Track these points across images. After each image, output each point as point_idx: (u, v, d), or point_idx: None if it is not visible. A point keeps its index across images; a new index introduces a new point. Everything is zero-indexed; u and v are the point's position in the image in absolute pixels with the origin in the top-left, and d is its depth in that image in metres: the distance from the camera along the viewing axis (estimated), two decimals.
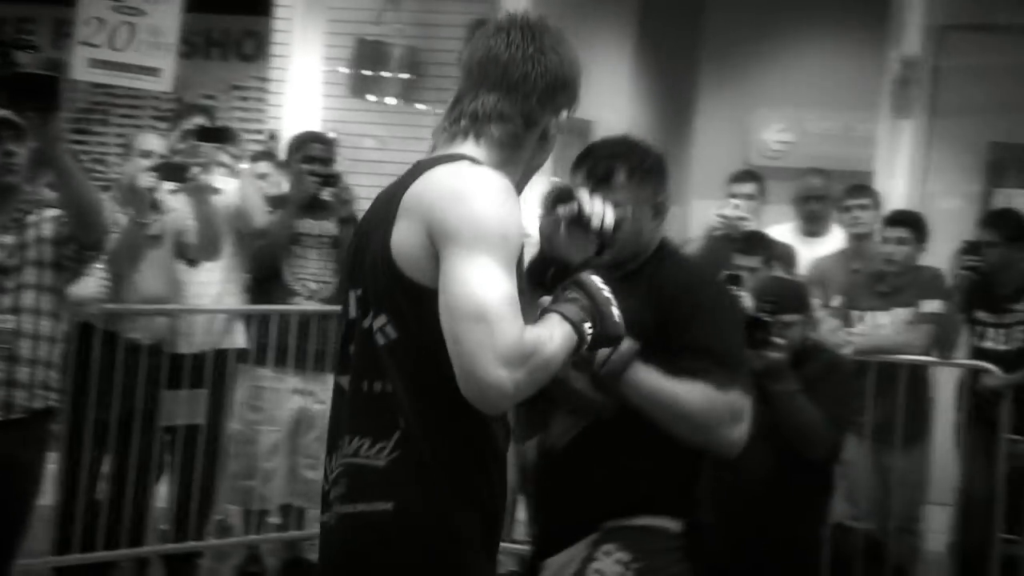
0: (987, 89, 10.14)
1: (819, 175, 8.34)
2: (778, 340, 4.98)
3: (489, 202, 2.68)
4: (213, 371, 6.99)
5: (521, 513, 7.00)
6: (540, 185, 8.73)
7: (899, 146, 9.63)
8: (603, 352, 3.25)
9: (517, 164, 2.89)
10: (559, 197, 3.63)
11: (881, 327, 7.17)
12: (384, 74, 10.04)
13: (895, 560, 6.94)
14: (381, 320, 2.73)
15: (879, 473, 7.15)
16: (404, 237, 2.71)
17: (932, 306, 7.09)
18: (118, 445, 6.64)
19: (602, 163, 3.69)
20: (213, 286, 7.12)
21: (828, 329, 7.00)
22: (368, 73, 10.05)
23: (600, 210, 3.28)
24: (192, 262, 6.97)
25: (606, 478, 3.56)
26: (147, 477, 6.82)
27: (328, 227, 7.31)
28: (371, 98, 10.11)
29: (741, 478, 4.39)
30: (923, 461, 7.23)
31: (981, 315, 7.09)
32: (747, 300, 5.33)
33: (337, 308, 6.98)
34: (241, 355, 7.18)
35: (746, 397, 3.51)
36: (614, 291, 2.97)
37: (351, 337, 2.84)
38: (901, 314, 7.16)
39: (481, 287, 2.61)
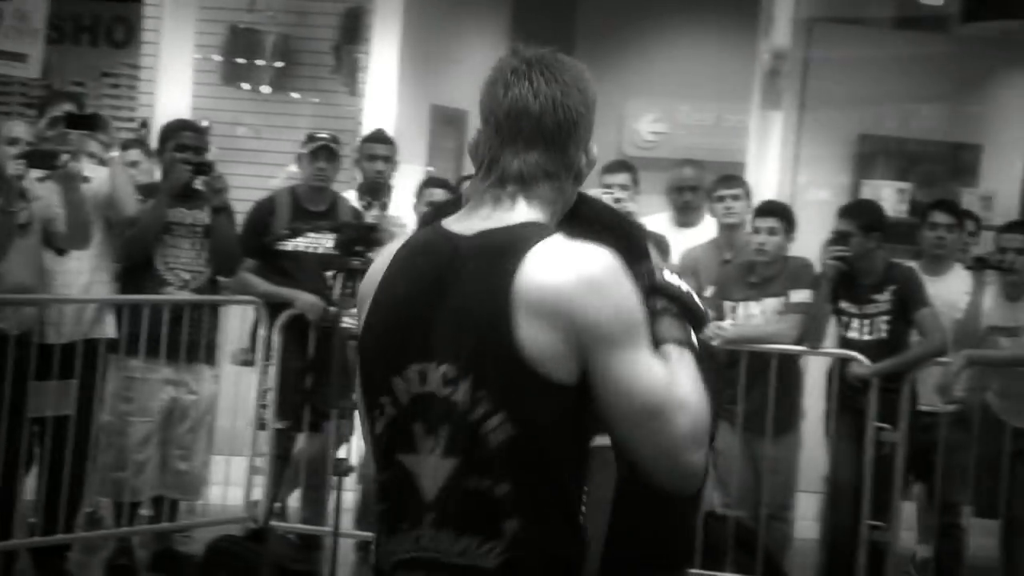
0: (856, 82, 10.27)
1: (692, 166, 8.40)
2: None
3: (623, 288, 2.54)
4: (83, 362, 6.87)
5: None
6: (415, 175, 8.73)
7: (770, 137, 9.71)
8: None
9: (559, 211, 2.73)
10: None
11: (752, 317, 7.23)
12: (257, 62, 9.98)
13: (766, 547, 7.01)
14: (499, 417, 2.52)
15: (750, 461, 7.21)
16: (536, 335, 2.50)
17: (801, 296, 7.15)
18: None
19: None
20: (82, 275, 7.01)
21: None
22: (241, 61, 9.98)
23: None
24: (61, 251, 6.87)
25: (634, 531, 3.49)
26: (15, 469, 6.70)
27: (200, 216, 7.23)
28: (244, 86, 10.04)
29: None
30: (793, 449, 7.30)
31: (845, 305, 7.16)
32: None
33: (211, 297, 6.98)
34: (111, 345, 7.08)
35: None
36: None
37: (425, 414, 2.59)
38: (771, 304, 7.21)
39: (651, 384, 2.50)
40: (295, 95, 10.14)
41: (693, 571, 5.85)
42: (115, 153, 7.11)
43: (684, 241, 7.80)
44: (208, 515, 7.57)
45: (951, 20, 10.72)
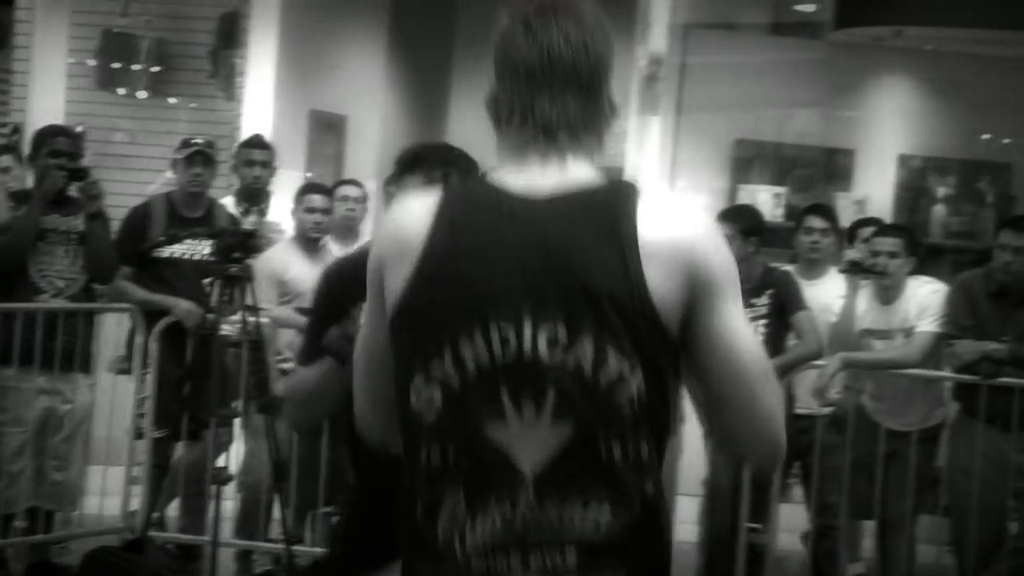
0: (731, 87, 10.37)
1: None
2: None
3: (727, 245, 2.52)
4: None
5: (276, 512, 6.93)
6: (294, 181, 8.68)
7: (647, 142, 9.77)
8: None
9: (601, 162, 2.60)
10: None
11: None
12: (133, 67, 9.88)
13: None
14: (637, 378, 2.40)
15: None
16: (661, 286, 2.40)
17: None
18: None
19: (437, 170, 3.68)
20: None
21: None
22: (116, 66, 9.88)
23: None
24: None
25: None
26: None
27: (75, 223, 7.13)
28: (120, 91, 9.93)
29: None
30: (673, 453, 7.33)
31: None
32: None
33: (86, 305, 6.88)
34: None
35: None
36: None
37: (517, 379, 2.41)
38: None
39: (757, 343, 2.50)
40: (172, 100, 10.07)
41: None
42: None
43: None
44: (85, 526, 7.46)
45: (824, 26, 10.88)
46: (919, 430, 7.10)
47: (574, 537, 2.38)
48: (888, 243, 7.16)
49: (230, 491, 7.00)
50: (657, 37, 9.54)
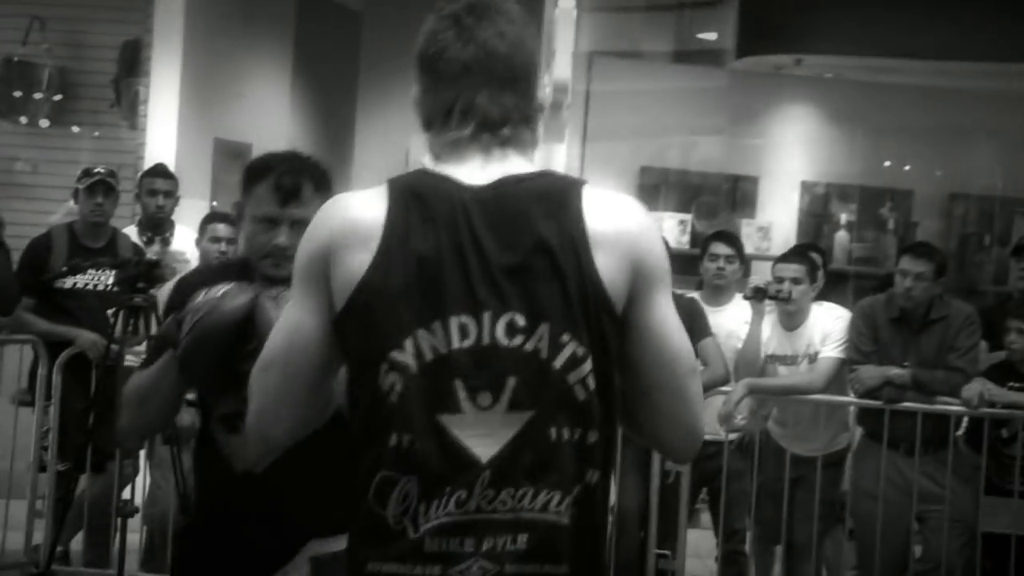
0: (636, 114, 10.44)
1: None
2: None
3: (662, 239, 2.59)
4: None
5: None
6: (199, 210, 8.62)
7: (554, 169, 9.81)
8: None
9: (533, 158, 2.65)
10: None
11: None
12: (35, 95, 9.78)
13: None
14: (588, 363, 2.43)
15: None
16: (610, 273, 2.45)
17: None
18: None
19: (287, 177, 3.62)
20: None
21: None
22: (17, 94, 9.77)
23: None
24: None
25: (305, 499, 3.52)
26: None
27: None
28: (21, 120, 9.82)
29: None
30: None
31: None
32: None
33: None
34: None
35: None
36: None
37: (473, 368, 2.42)
38: None
39: (683, 334, 2.53)
40: (74, 129, 9.97)
41: None
42: None
43: None
44: None
45: (726, 55, 11.00)
46: (824, 455, 7.16)
47: (526, 522, 2.41)
48: (791, 269, 7.23)
49: (135, 524, 6.93)
50: (562, 65, 9.60)
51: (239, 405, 3.51)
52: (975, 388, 6.76)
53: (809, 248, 8.10)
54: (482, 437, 2.40)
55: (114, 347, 6.60)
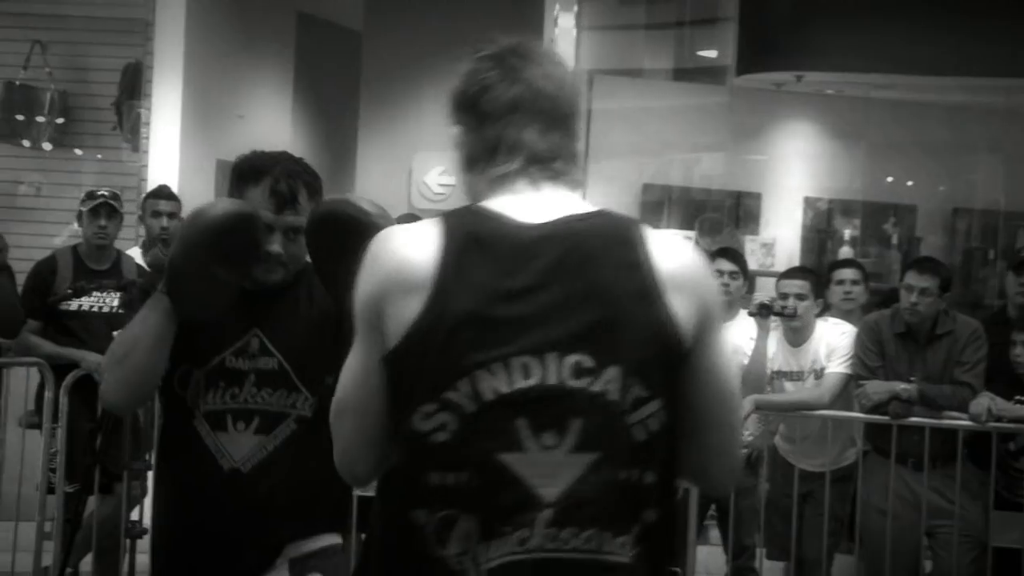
0: (638, 132, 10.46)
1: None
2: None
3: None
4: None
5: None
6: None
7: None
8: None
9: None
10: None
11: None
12: (37, 119, 9.81)
13: None
14: (654, 404, 2.42)
15: None
16: (682, 315, 2.44)
17: None
18: None
19: (283, 183, 3.58)
20: None
21: None
22: (20, 118, 9.80)
23: None
24: None
25: (289, 499, 3.55)
26: None
27: None
28: (24, 143, 9.85)
29: None
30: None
31: None
32: None
33: None
34: None
35: None
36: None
37: (536, 408, 2.39)
38: None
39: (735, 372, 2.61)
40: (77, 151, 10.01)
41: None
42: None
43: None
44: None
45: (727, 72, 11.02)
46: (832, 470, 7.18)
47: (588, 561, 2.39)
48: (796, 285, 7.24)
49: (144, 545, 6.93)
50: None
51: (229, 402, 3.59)
52: (983, 403, 6.77)
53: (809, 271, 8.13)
54: (546, 476, 2.37)
55: None
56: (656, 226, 8.29)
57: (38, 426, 7.39)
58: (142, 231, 8.26)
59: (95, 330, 7.36)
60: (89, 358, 7.20)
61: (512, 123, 2.55)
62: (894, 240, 10.93)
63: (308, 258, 3.67)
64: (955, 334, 6.97)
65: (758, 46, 10.48)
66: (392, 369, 2.45)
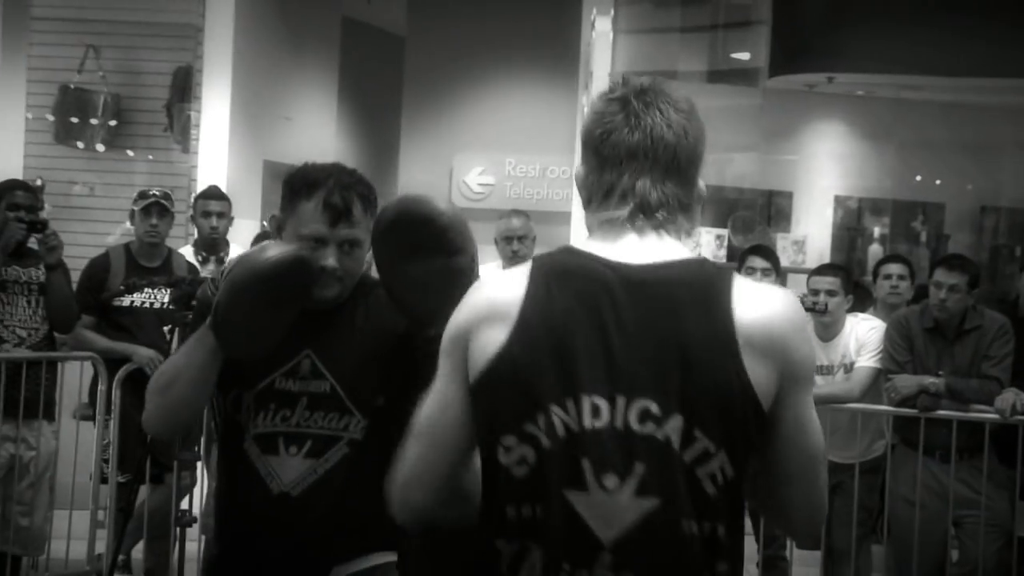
0: None
1: (519, 216, 8.46)
2: None
3: (809, 337, 2.58)
4: None
5: None
6: (250, 230, 8.67)
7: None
8: None
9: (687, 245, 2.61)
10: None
11: None
12: (91, 121, 9.87)
13: None
14: (720, 458, 2.36)
15: None
16: (759, 372, 2.39)
17: None
18: None
19: (337, 196, 3.43)
20: None
21: None
22: (74, 120, 9.86)
23: None
24: None
25: (339, 522, 3.44)
26: None
27: (36, 274, 7.11)
28: (78, 145, 9.92)
29: None
30: None
31: None
32: None
33: (48, 354, 6.84)
34: None
35: None
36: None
37: (602, 449, 2.36)
38: None
39: (820, 428, 2.53)
40: (129, 153, 10.05)
41: None
42: None
43: None
44: (52, 570, 7.42)
45: (759, 74, 10.99)
46: (861, 462, 7.16)
47: None
48: (827, 281, 7.23)
49: (194, 533, 6.97)
50: (600, 84, 9.60)
51: (280, 425, 3.46)
52: (1008, 398, 6.75)
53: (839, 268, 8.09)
54: (605, 518, 2.34)
55: None
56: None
57: (92, 418, 7.44)
58: (192, 230, 8.30)
59: (146, 325, 7.41)
60: (141, 352, 7.25)
61: (628, 170, 2.51)
62: (923, 238, 10.89)
63: (366, 270, 3.60)
64: (983, 329, 6.95)
65: (790, 49, 10.45)
66: (476, 400, 2.45)
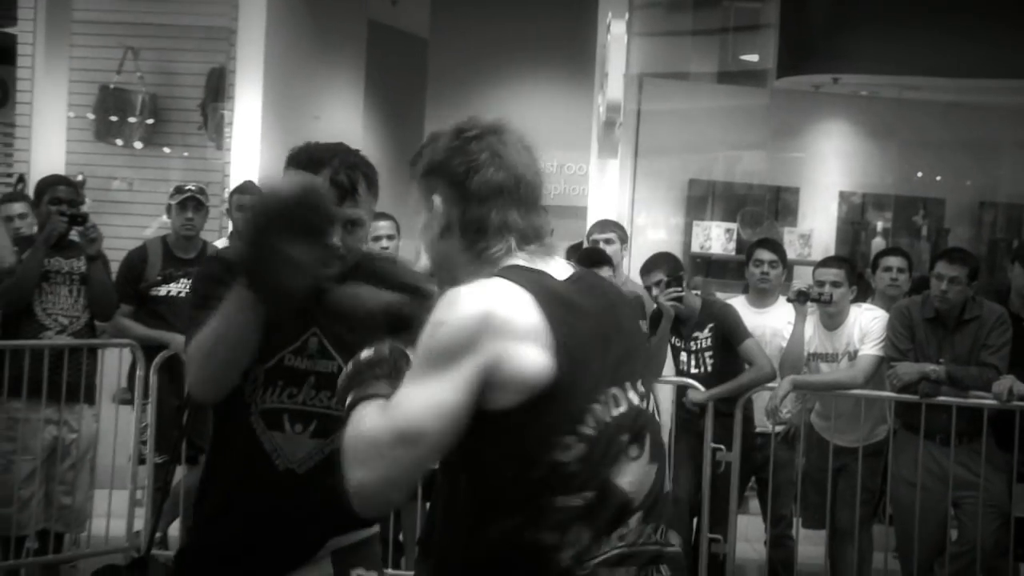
0: (684, 132, 10.44)
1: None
2: None
3: None
4: None
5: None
6: None
7: (607, 183, 9.83)
8: None
9: None
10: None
11: None
12: (129, 119, 9.91)
13: None
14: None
15: None
16: None
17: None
18: None
19: (344, 174, 3.30)
20: None
21: None
22: (113, 119, 9.91)
23: None
24: None
25: (336, 499, 3.13)
26: None
27: (77, 265, 7.13)
28: (117, 142, 9.97)
29: None
30: None
31: (675, 341, 7.22)
32: None
33: (89, 341, 6.86)
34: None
35: None
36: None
37: (628, 429, 2.60)
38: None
39: None
40: (165, 150, 10.10)
41: None
42: None
43: None
44: (92, 546, 7.45)
45: (768, 75, 10.98)
46: (864, 446, 7.17)
47: (660, 551, 2.62)
48: (831, 273, 7.24)
49: None
50: (614, 86, 9.59)
51: (287, 402, 3.35)
52: (1005, 383, 6.74)
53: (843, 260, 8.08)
54: (634, 483, 2.58)
55: None
56: (700, 218, 8.31)
57: (130, 402, 7.47)
58: (226, 223, 8.32)
59: (182, 314, 7.41)
60: (177, 340, 7.26)
61: (497, 206, 2.64)
62: (924, 232, 10.85)
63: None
64: (981, 319, 6.94)
65: (797, 51, 10.45)
66: (526, 412, 2.50)
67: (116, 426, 7.51)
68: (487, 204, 2.64)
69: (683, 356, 7.23)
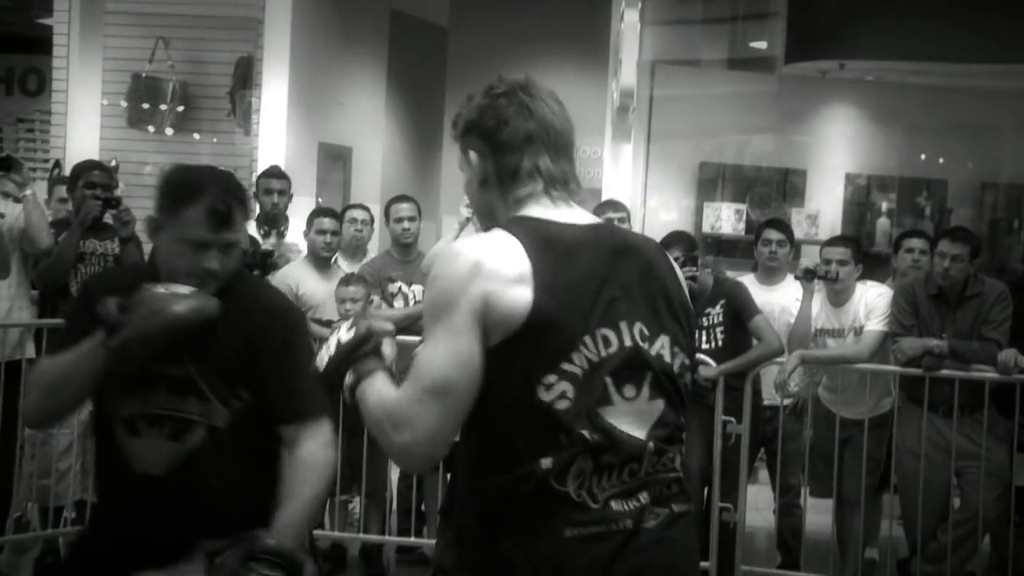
0: (695, 116, 10.42)
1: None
2: None
3: None
4: (5, 381, 6.74)
5: None
6: (305, 206, 8.68)
7: (621, 167, 9.82)
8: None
9: None
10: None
11: None
12: (160, 107, 9.93)
13: None
14: (687, 369, 2.76)
15: None
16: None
17: None
18: None
19: (221, 203, 3.28)
20: (3, 302, 6.90)
21: None
22: (145, 106, 9.93)
23: None
24: None
25: (202, 503, 3.29)
26: None
27: (111, 246, 7.15)
28: (149, 129, 9.98)
29: None
30: None
31: None
32: None
33: None
34: (32, 365, 6.94)
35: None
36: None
37: (621, 367, 2.61)
38: None
39: None
40: (195, 136, 10.11)
41: None
42: (29, 191, 6.99)
43: None
44: None
45: (776, 61, 10.94)
46: (870, 418, 7.15)
47: (672, 476, 2.70)
48: (838, 252, 7.21)
49: None
50: (627, 73, 9.58)
51: (141, 408, 3.30)
52: (1009, 355, 6.72)
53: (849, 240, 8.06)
54: (633, 421, 2.62)
55: None
56: (711, 200, 8.27)
57: None
58: (254, 206, 8.32)
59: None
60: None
61: (528, 152, 2.71)
62: (927, 212, 10.83)
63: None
64: (983, 296, 6.91)
65: (804, 38, 10.40)
66: (508, 351, 2.54)
67: None
68: (519, 152, 2.71)
69: (695, 332, 7.22)
